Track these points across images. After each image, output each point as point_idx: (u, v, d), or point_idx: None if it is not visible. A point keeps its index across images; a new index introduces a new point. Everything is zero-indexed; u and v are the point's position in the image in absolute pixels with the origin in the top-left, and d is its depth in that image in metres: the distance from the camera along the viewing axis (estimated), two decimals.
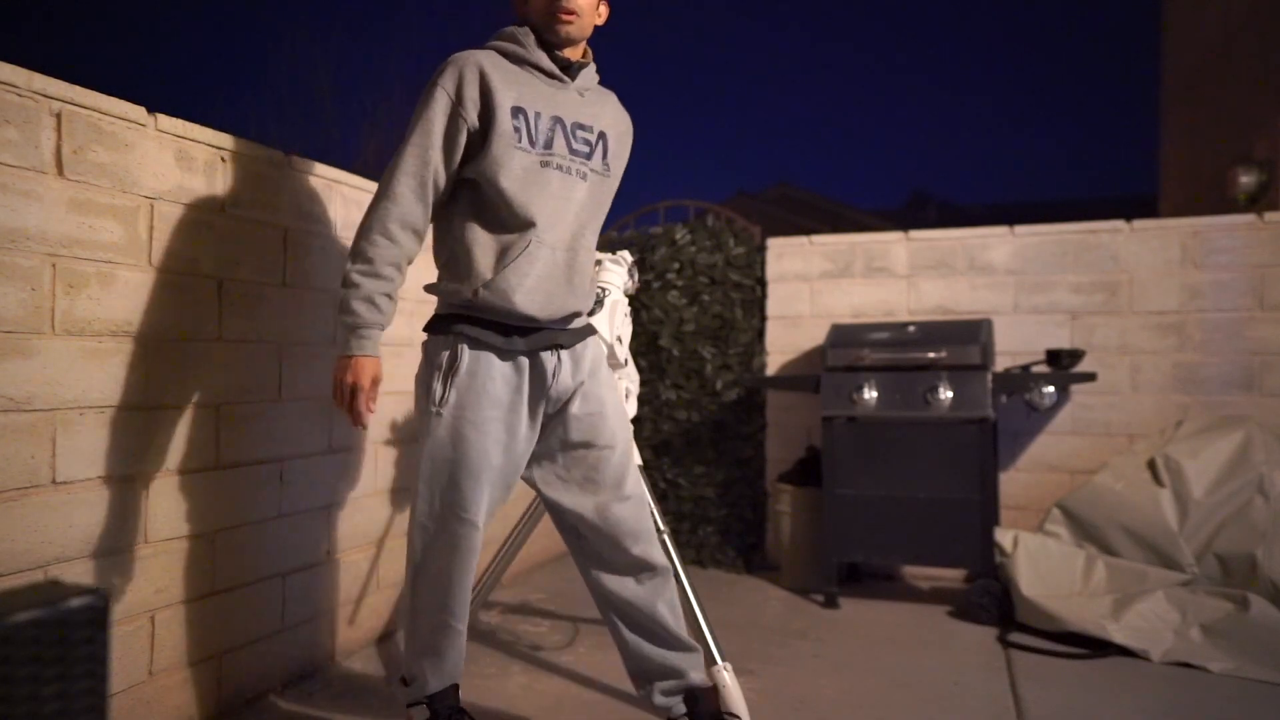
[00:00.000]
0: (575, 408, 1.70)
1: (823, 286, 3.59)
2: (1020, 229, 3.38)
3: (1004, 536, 2.84)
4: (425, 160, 1.61)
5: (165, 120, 1.84)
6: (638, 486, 1.77)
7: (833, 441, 2.99)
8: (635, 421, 2.24)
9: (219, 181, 1.97)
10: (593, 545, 1.74)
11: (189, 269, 1.89)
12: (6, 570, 1.54)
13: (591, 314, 1.95)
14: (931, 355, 2.90)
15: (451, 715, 1.77)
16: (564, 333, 1.70)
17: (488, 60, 1.62)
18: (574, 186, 1.66)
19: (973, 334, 2.94)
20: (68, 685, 0.55)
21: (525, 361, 1.66)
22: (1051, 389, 2.99)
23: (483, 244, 1.62)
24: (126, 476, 1.76)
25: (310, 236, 2.24)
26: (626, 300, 2.11)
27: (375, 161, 11.72)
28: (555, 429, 1.72)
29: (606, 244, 3.81)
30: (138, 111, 1.78)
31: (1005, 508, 3.28)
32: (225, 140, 1.98)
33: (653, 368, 3.68)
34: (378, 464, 2.51)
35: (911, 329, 3.06)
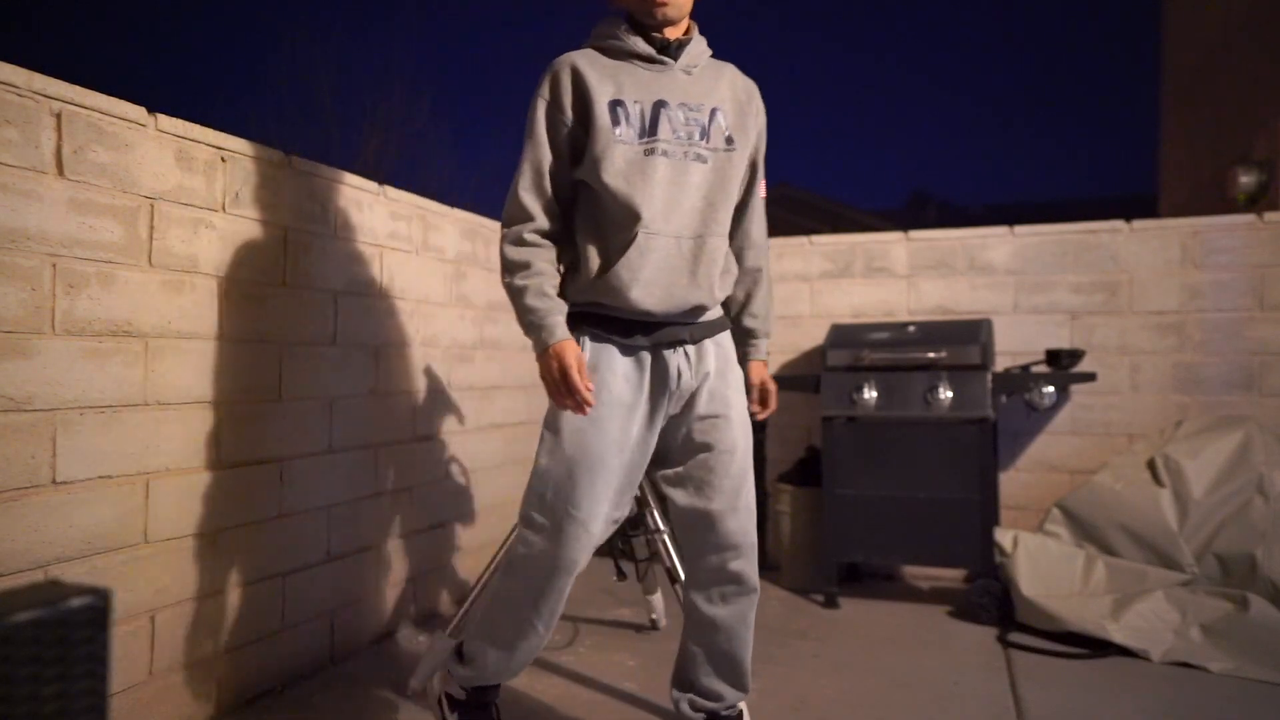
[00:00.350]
0: (700, 407, 1.65)
1: (823, 286, 3.59)
2: (1020, 229, 3.38)
3: (1004, 536, 2.84)
4: (539, 170, 1.61)
5: (165, 120, 1.84)
6: (750, 497, 1.68)
7: (833, 441, 2.99)
8: None
9: (219, 181, 1.97)
10: (693, 550, 1.69)
11: (189, 269, 1.89)
12: (6, 570, 1.54)
13: None
14: (931, 355, 2.90)
15: (485, 711, 1.75)
16: (688, 328, 1.64)
17: (583, 59, 1.61)
18: (687, 170, 1.60)
19: (973, 334, 2.94)
20: (68, 685, 0.55)
21: (648, 359, 1.62)
22: (1051, 389, 2.99)
23: (597, 242, 1.61)
24: (126, 476, 1.76)
25: (310, 236, 2.24)
26: None
27: (375, 161, 11.72)
28: (679, 427, 1.67)
29: None
30: (138, 111, 1.78)
31: (1005, 508, 3.28)
32: (225, 140, 1.99)
33: None
34: (378, 464, 2.51)
35: (911, 329, 3.06)
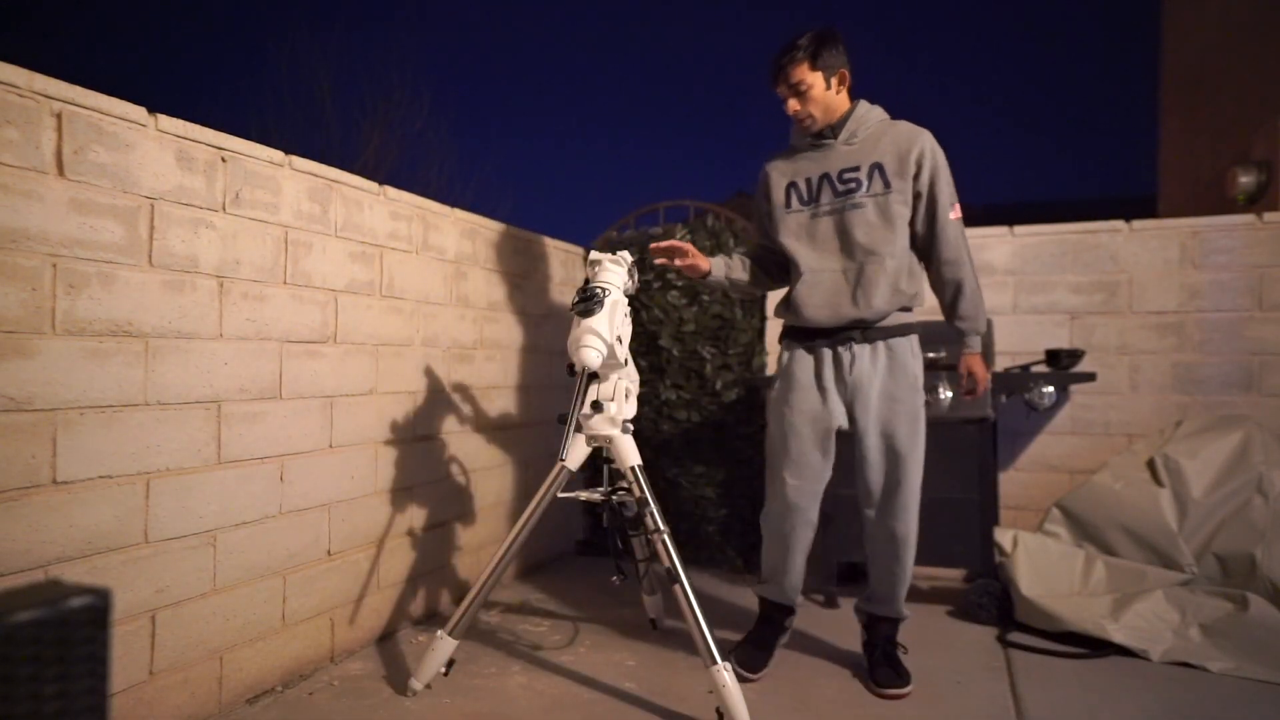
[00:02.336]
0: (874, 399, 2.19)
1: None
2: (1020, 229, 3.38)
3: (1004, 536, 2.84)
4: (759, 240, 2.44)
5: (165, 120, 1.84)
6: (901, 480, 2.23)
7: None
8: (635, 421, 2.24)
9: (219, 181, 1.97)
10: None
11: (189, 269, 1.89)
12: (7, 570, 1.54)
13: (589, 314, 1.95)
14: (931, 355, 2.90)
15: (771, 624, 2.42)
16: (859, 330, 2.19)
17: (774, 159, 2.35)
18: (846, 220, 2.18)
19: None
20: (68, 685, 0.55)
21: (827, 354, 2.23)
22: (1051, 389, 3.00)
23: (790, 280, 2.29)
24: (126, 476, 1.76)
25: (310, 236, 2.24)
26: (626, 300, 2.10)
27: (375, 161, 11.70)
28: (858, 415, 2.21)
29: (607, 244, 3.81)
30: (138, 111, 1.78)
31: (1005, 508, 3.28)
32: (225, 140, 1.99)
33: (653, 368, 3.68)
34: (378, 463, 2.51)
35: None
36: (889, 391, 2.19)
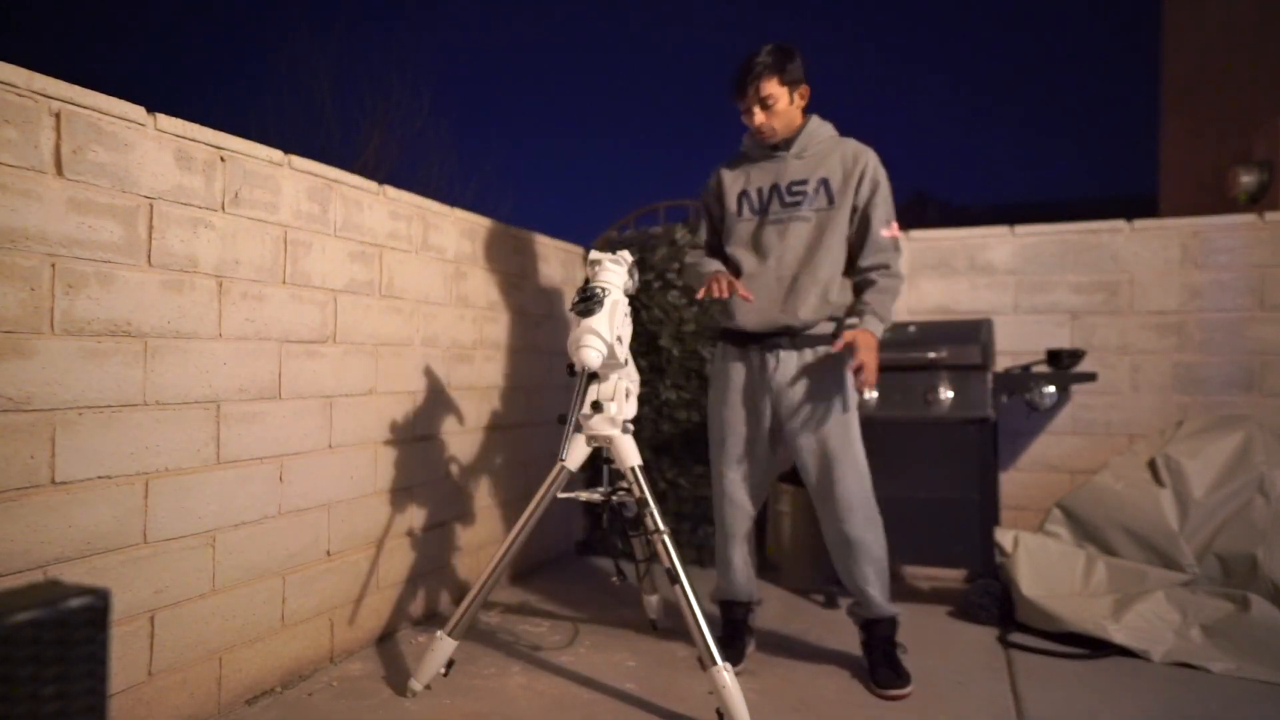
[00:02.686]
0: (799, 399, 2.27)
1: None
2: (1020, 229, 3.38)
3: (1004, 536, 2.84)
4: (707, 240, 2.52)
5: (165, 120, 1.84)
6: (840, 471, 2.25)
7: None
8: (635, 421, 2.24)
9: (219, 181, 1.97)
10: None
11: (189, 269, 1.89)
12: (6, 570, 1.53)
13: (589, 314, 1.95)
14: (931, 355, 2.90)
15: (731, 625, 2.46)
16: (787, 337, 2.28)
17: (727, 165, 2.43)
18: (789, 231, 2.28)
19: (973, 334, 2.94)
20: (67, 685, 0.55)
21: (756, 358, 2.32)
22: (1052, 389, 2.99)
23: None
24: (126, 476, 1.75)
25: (310, 236, 2.24)
26: (626, 300, 2.10)
27: (375, 161, 11.69)
28: (789, 417, 2.28)
29: (607, 244, 3.81)
30: (137, 111, 1.78)
31: (1005, 508, 3.28)
32: (225, 140, 1.98)
33: (653, 368, 3.68)
34: (378, 464, 2.50)
35: (911, 329, 3.06)
36: (816, 396, 2.27)
